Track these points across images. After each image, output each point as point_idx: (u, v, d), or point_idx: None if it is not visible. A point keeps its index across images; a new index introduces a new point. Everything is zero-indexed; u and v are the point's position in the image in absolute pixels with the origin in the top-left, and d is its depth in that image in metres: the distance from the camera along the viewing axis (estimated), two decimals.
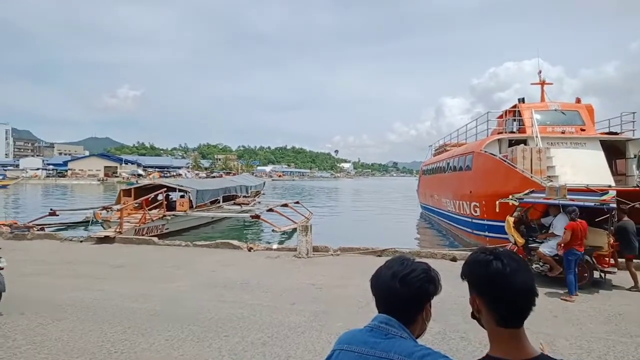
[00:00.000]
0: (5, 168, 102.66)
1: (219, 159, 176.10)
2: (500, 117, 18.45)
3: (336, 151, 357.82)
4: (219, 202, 21.78)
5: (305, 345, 5.10)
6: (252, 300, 6.96)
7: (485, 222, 13.80)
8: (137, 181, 68.82)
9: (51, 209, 18.71)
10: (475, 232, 14.98)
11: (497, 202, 9.78)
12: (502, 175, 13.20)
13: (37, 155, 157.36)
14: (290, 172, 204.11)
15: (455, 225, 17.98)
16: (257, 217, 17.50)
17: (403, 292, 1.47)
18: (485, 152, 14.83)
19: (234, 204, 23.32)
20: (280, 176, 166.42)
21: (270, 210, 19.67)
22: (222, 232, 19.69)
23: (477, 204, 14.39)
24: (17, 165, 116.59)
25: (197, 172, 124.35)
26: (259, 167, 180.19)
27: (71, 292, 7.27)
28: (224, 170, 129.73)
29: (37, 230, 14.69)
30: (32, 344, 5.07)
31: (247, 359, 4.74)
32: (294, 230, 15.09)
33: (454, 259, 10.06)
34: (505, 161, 13.52)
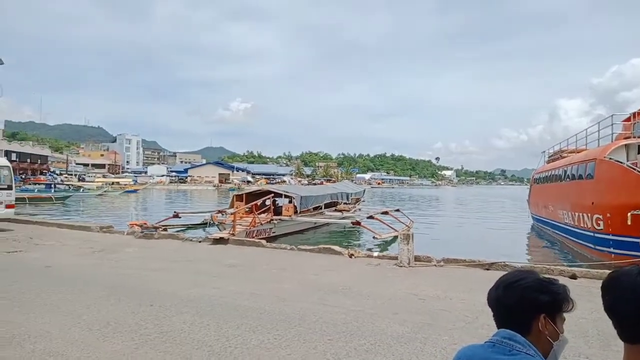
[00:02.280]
0: (136, 175, 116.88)
1: (320, 167, 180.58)
2: (628, 120, 16.46)
3: (437, 158, 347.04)
4: (321, 208, 22.39)
5: (409, 357, 5.03)
6: (354, 306, 7.04)
7: (610, 237, 12.38)
8: (237, 187, 74.85)
9: (175, 212, 20.79)
10: (597, 247, 13.50)
11: (629, 214, 8.74)
12: (631, 186, 11.75)
13: (162, 163, 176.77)
14: (390, 179, 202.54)
15: (573, 239, 16.39)
16: (358, 223, 17.67)
17: (505, 300, 1.41)
18: (611, 159, 13.35)
19: (335, 210, 23.78)
20: (379, 184, 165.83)
21: (371, 217, 19.68)
22: (323, 237, 20.17)
23: (601, 217, 12.96)
24: (146, 172, 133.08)
25: (299, 179, 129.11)
26: (358, 175, 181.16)
27: (191, 288, 8.00)
28: (325, 178, 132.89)
29: (162, 230, 16.38)
30: (160, 333, 5.68)
31: None
32: (395, 238, 14.92)
33: (573, 277, 9.14)
34: (634, 169, 12.05)
